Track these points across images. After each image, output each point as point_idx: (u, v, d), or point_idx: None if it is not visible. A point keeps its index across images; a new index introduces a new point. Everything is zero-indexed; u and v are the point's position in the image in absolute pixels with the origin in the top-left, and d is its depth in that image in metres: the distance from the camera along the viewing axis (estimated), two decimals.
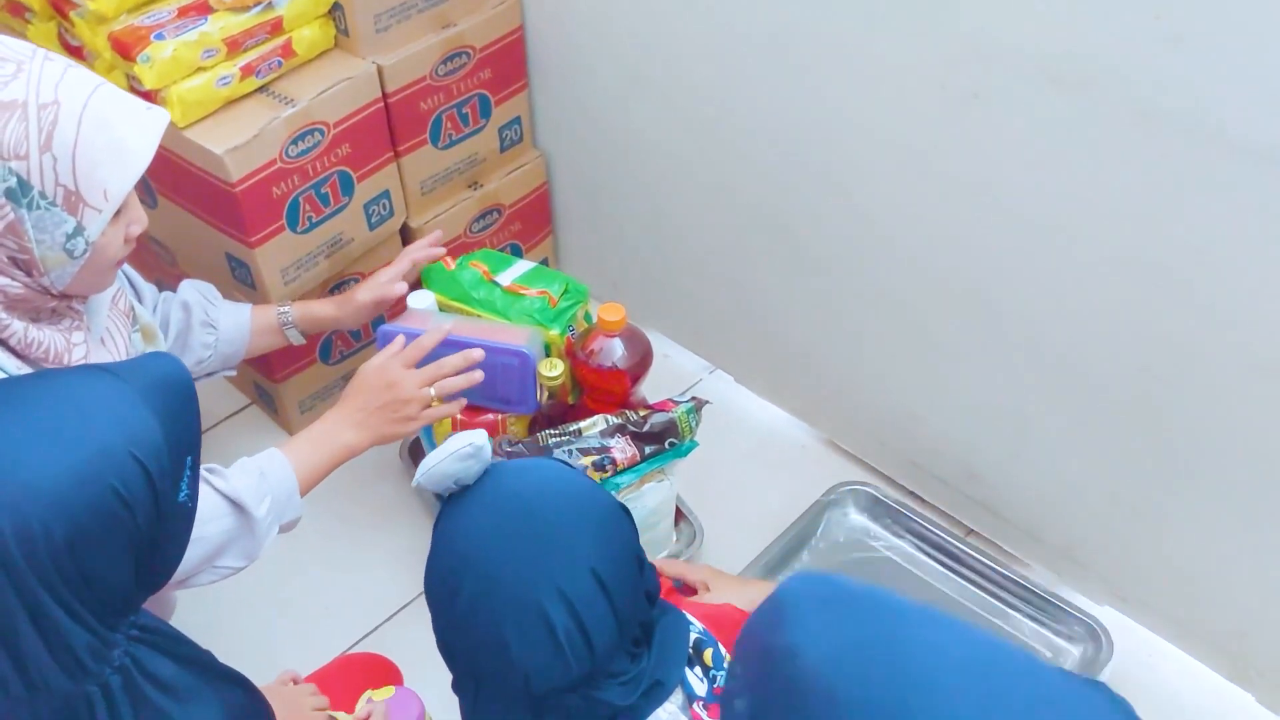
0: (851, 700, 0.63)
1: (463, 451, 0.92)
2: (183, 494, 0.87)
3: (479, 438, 0.93)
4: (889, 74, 1.31)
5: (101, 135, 1.09)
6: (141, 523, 0.80)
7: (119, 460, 0.79)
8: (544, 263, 2.00)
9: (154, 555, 0.84)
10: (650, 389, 1.53)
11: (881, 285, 1.50)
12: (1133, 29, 1.08)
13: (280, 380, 1.73)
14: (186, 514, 0.88)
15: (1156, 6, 1.05)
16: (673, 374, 1.87)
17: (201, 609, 1.56)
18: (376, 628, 1.55)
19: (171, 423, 0.85)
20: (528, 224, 1.92)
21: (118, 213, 1.13)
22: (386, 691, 1.29)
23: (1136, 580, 1.46)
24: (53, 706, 0.79)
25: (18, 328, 1.14)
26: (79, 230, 1.11)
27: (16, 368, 1.15)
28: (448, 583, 0.93)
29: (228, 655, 1.41)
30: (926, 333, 1.48)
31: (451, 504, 0.95)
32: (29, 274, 1.12)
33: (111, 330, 1.35)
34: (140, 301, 1.44)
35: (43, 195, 1.07)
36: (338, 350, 1.79)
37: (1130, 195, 1.18)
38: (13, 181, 1.05)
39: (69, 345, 1.22)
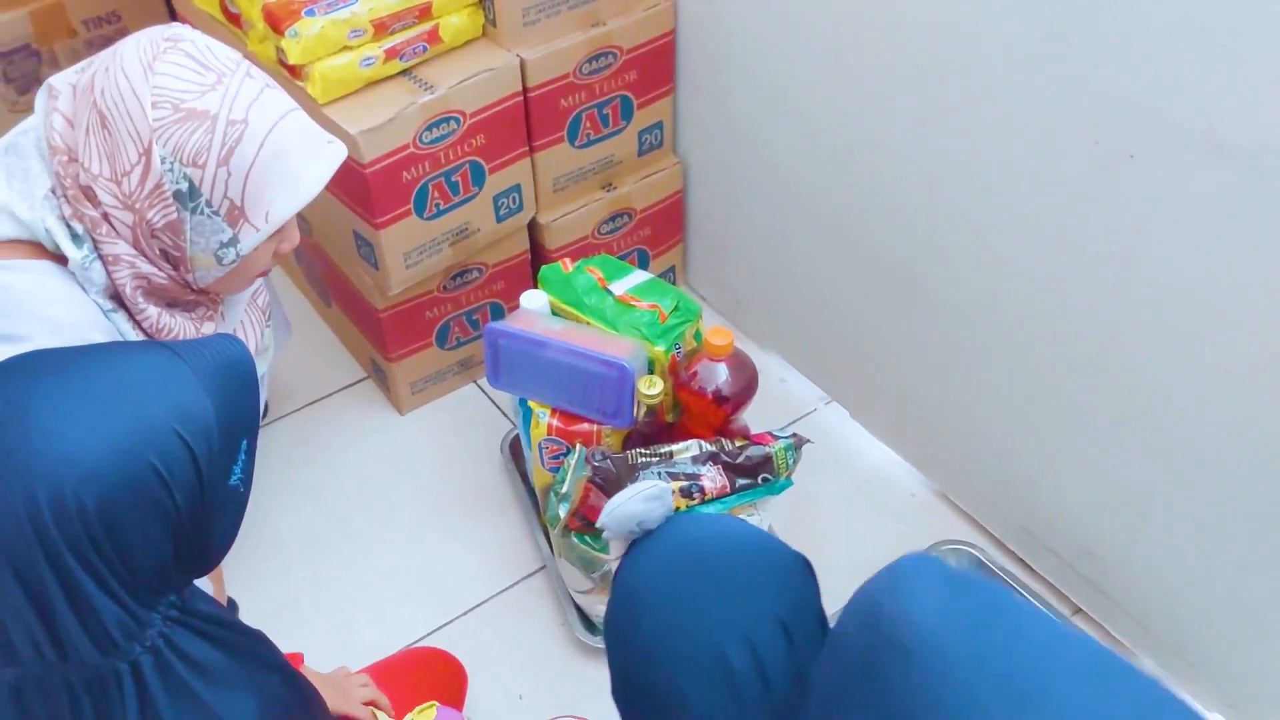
0: (962, 659, 0.62)
1: (649, 493, 0.92)
2: (235, 477, 0.87)
3: (660, 485, 0.94)
4: (1039, 123, 1.23)
5: (279, 162, 1.13)
6: (181, 503, 0.80)
7: (161, 437, 0.79)
8: (670, 271, 1.97)
9: (198, 537, 0.84)
10: (761, 413, 1.48)
11: (1009, 343, 1.41)
12: None
13: (394, 360, 1.75)
14: (238, 498, 0.88)
15: None
16: (787, 400, 1.82)
17: (288, 569, 1.59)
18: (451, 621, 1.55)
19: (228, 404, 0.85)
20: (658, 231, 1.89)
21: (274, 231, 1.17)
22: (429, 712, 1.28)
23: (1252, 692, 1.34)
24: (84, 676, 0.80)
25: (152, 313, 1.19)
26: (233, 241, 1.15)
27: None
28: (626, 625, 0.91)
29: (296, 631, 1.44)
30: (1054, 400, 1.39)
31: (634, 548, 0.94)
32: (175, 268, 1.17)
33: (245, 324, 1.39)
34: None
35: (208, 204, 1.11)
36: (454, 336, 1.80)
37: None
38: (184, 185, 1.10)
39: (198, 334, 1.26)
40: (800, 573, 0.91)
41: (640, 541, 0.94)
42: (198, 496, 0.82)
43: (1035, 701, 0.59)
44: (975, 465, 1.58)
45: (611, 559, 1.42)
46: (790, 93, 1.57)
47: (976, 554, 1.55)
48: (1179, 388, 1.23)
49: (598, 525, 0.97)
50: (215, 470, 0.83)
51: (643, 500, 0.92)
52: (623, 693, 0.93)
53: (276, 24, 1.45)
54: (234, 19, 1.57)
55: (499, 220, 1.68)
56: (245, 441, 0.88)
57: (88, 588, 0.77)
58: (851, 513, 1.66)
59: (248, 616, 1.45)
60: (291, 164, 1.14)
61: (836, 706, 0.70)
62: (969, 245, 1.40)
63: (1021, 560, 1.57)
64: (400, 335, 1.73)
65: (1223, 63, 1.03)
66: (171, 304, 1.24)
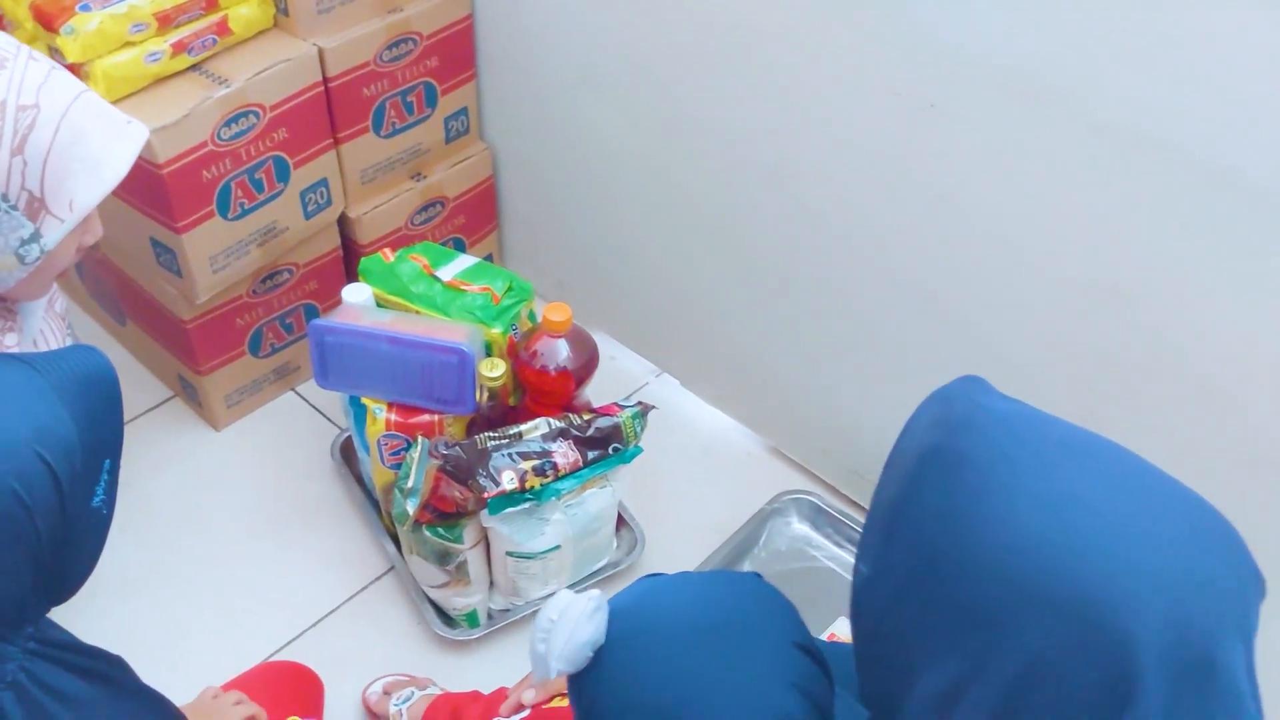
0: (1025, 428, 0.69)
1: (588, 609, 0.79)
2: (97, 498, 0.81)
3: (591, 593, 0.80)
4: (844, 77, 1.28)
5: (78, 146, 1.04)
6: (42, 528, 0.74)
7: (22, 459, 0.73)
8: (488, 259, 1.95)
9: (58, 564, 0.77)
10: (595, 392, 1.49)
11: (828, 292, 1.47)
12: (1090, 42, 1.06)
13: (205, 373, 1.66)
14: (100, 520, 0.82)
15: (1115, 19, 1.03)
16: (618, 377, 1.83)
17: (118, 603, 1.49)
18: (302, 633, 1.48)
19: (90, 422, 0.79)
20: (472, 218, 1.87)
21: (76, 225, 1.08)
22: None
23: None
24: None
25: None
26: (35, 237, 1.06)
27: None
28: None
29: (142, 655, 1.35)
30: (872, 340, 1.45)
31: (602, 676, 0.79)
32: None
33: (45, 333, 1.29)
34: None
35: (4, 198, 1.01)
36: (268, 343, 1.72)
37: (1083, 211, 1.15)
38: None
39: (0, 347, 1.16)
40: (767, 587, 0.86)
41: (606, 666, 0.79)
42: (59, 521, 0.75)
43: (1091, 454, 0.67)
44: (802, 418, 1.63)
45: (467, 547, 1.39)
46: (595, 67, 1.58)
47: (814, 500, 1.60)
48: (990, 317, 1.31)
49: (542, 679, 0.81)
50: (77, 492, 0.77)
51: (587, 620, 0.79)
52: None
53: (49, 21, 1.35)
54: None
55: (308, 217, 1.62)
56: (109, 461, 0.83)
57: None
58: (692, 476, 1.69)
59: None
60: (92, 147, 1.05)
61: (900, 512, 0.72)
62: (782, 202, 1.44)
63: (855, 502, 1.63)
64: (210, 346, 1.64)
65: (1009, 6, 1.10)
66: None
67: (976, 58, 1.15)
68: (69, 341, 1.36)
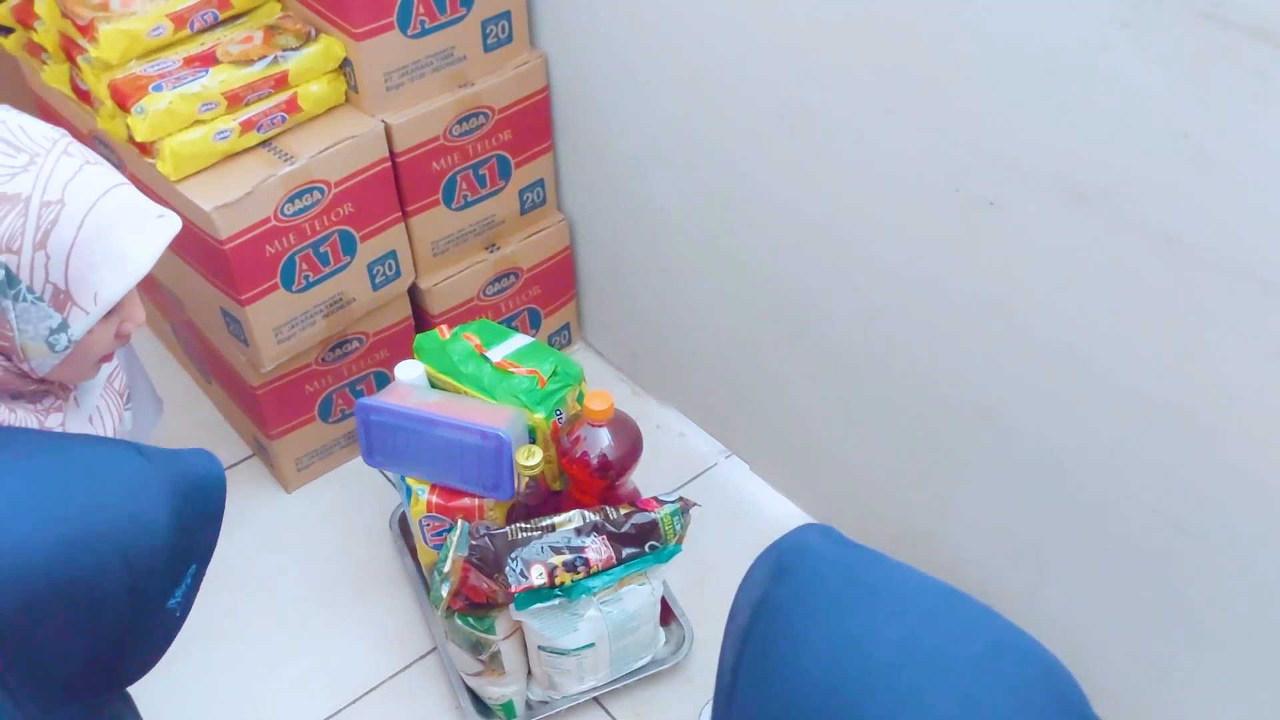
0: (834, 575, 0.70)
1: None
2: (174, 600, 0.81)
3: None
4: (904, 168, 1.21)
5: (101, 241, 1.07)
6: (106, 621, 0.74)
7: (105, 549, 0.73)
8: (565, 329, 1.93)
9: (117, 654, 0.78)
10: (660, 469, 1.45)
11: (893, 392, 1.39)
12: (1162, 150, 0.96)
13: (274, 437, 1.68)
14: (172, 622, 0.83)
15: (1185, 126, 0.93)
16: (686, 455, 1.77)
17: (166, 669, 1.51)
18: (342, 709, 1.48)
19: (186, 528, 0.79)
20: (548, 288, 1.85)
21: (111, 312, 1.11)
22: None
23: None
24: None
25: None
26: (63, 327, 1.09)
27: None
28: None
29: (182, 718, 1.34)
30: (941, 447, 1.36)
31: None
32: (8, 358, 1.10)
33: (101, 409, 1.33)
34: None
35: (30, 290, 1.05)
36: (338, 409, 1.73)
37: (1154, 326, 1.05)
38: (0, 274, 1.03)
39: (41, 427, 1.19)
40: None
41: None
42: (125, 616, 0.76)
43: (892, 594, 0.67)
44: (873, 517, 1.54)
45: (500, 639, 1.36)
46: (664, 145, 1.54)
47: None
48: (1056, 432, 1.21)
49: None
50: (152, 592, 0.77)
51: None
52: None
53: (123, 101, 1.39)
54: (84, 96, 1.51)
55: (375, 288, 1.63)
56: (194, 566, 0.83)
57: None
58: None
59: None
60: (116, 241, 1.07)
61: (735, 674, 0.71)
62: (847, 294, 1.37)
63: None
64: (279, 411, 1.66)
65: (1073, 110, 1.02)
66: (15, 396, 1.17)
67: (1040, 159, 1.07)
68: (127, 415, 1.39)
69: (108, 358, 1.22)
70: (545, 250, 1.81)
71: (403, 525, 1.66)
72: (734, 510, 1.68)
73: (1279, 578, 1.07)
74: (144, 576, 0.76)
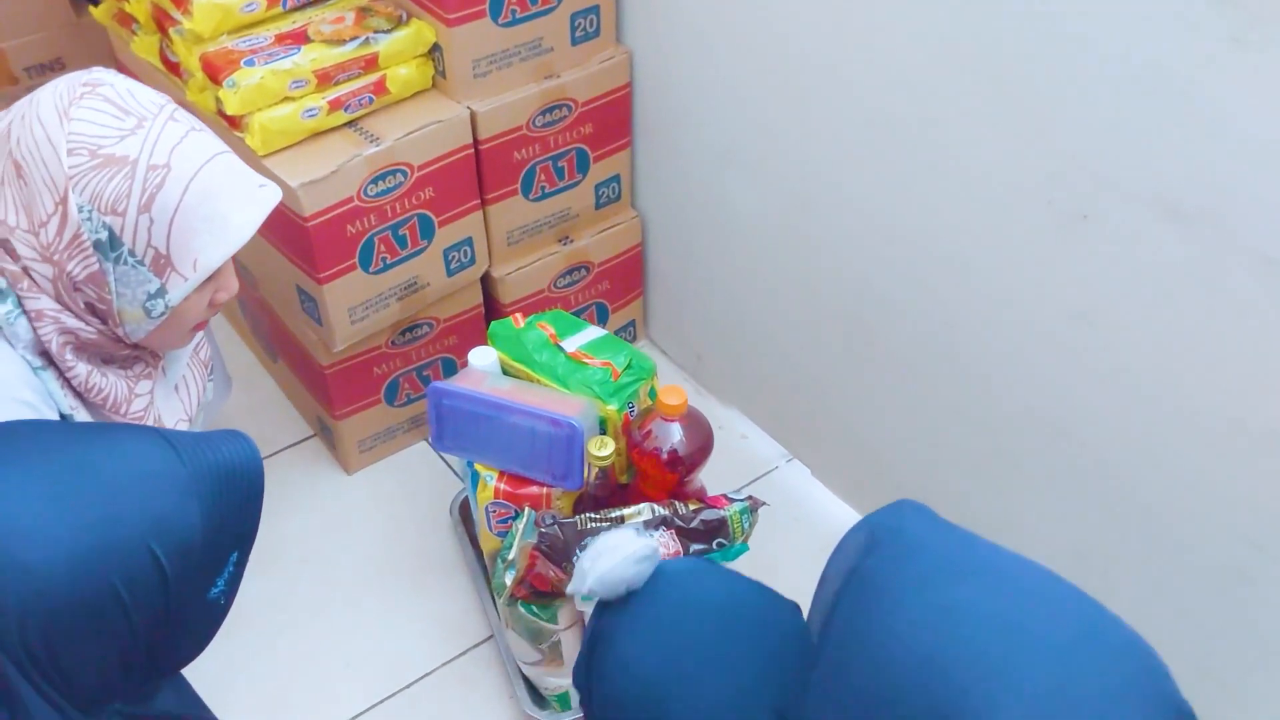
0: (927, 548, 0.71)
1: (639, 554, 0.88)
2: (216, 589, 0.80)
3: (648, 542, 0.89)
4: (995, 178, 1.20)
5: (205, 207, 1.08)
6: (139, 624, 0.73)
7: (131, 554, 0.72)
8: (631, 325, 1.93)
9: (157, 650, 0.77)
10: (722, 471, 1.43)
11: (967, 402, 1.37)
12: (1258, 167, 0.95)
13: (340, 418, 1.69)
14: (216, 611, 0.82)
15: None
16: (748, 457, 1.76)
17: (223, 638, 1.51)
18: (396, 693, 1.48)
19: (222, 515, 0.78)
20: (617, 284, 1.85)
21: (207, 280, 1.12)
22: None
23: None
24: None
25: (81, 370, 1.13)
26: (161, 292, 1.10)
27: (70, 408, 1.13)
28: (645, 708, 0.84)
29: (237, 705, 1.36)
30: (1008, 460, 1.35)
31: (624, 615, 0.88)
32: (104, 322, 1.11)
33: (187, 379, 1.34)
34: None
35: (132, 253, 1.06)
36: (404, 393, 1.74)
37: (1246, 348, 1.03)
38: (104, 235, 1.05)
39: (130, 395, 1.20)
40: (800, 622, 0.90)
41: (632, 607, 0.88)
42: (161, 615, 0.75)
43: (986, 572, 0.68)
44: None
45: (561, 628, 1.36)
46: (745, 147, 1.54)
47: None
48: (1131, 453, 1.19)
49: (574, 592, 0.92)
50: (190, 587, 0.76)
51: (634, 563, 0.88)
52: None
53: (214, 74, 1.40)
54: (173, 68, 1.53)
55: (450, 274, 1.63)
56: (236, 554, 0.82)
57: (24, 693, 0.70)
58: (812, 574, 1.60)
59: None
60: (219, 208, 1.09)
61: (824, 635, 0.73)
62: (925, 302, 1.36)
63: None
64: (346, 392, 1.67)
65: (1173, 126, 1.00)
66: (107, 360, 1.18)
67: (1137, 174, 1.05)
68: (210, 386, 1.40)
69: (200, 326, 1.23)
70: (617, 246, 1.80)
71: (463, 512, 1.66)
72: (794, 514, 1.67)
73: None
74: (179, 574, 0.74)
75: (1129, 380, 1.15)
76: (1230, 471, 1.09)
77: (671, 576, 0.90)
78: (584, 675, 0.91)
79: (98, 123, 1.04)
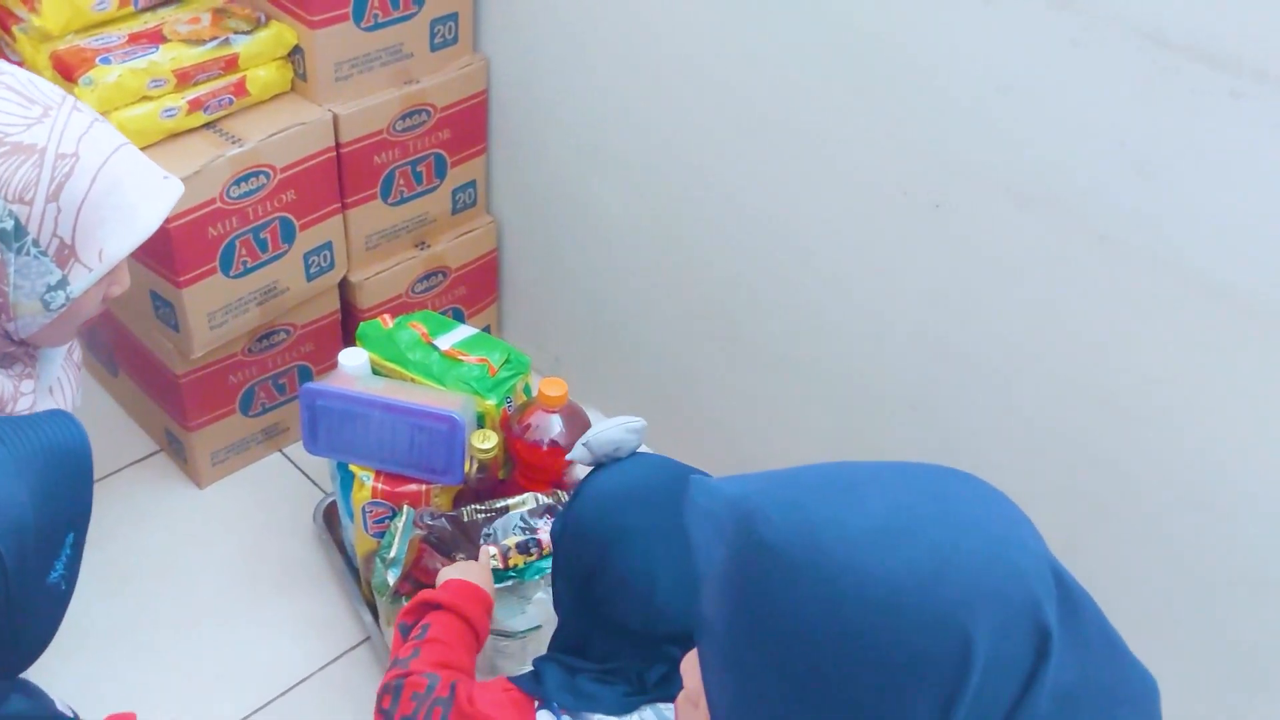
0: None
1: (632, 426, 1.04)
2: (55, 574, 0.79)
3: (642, 421, 1.05)
4: (851, 171, 1.29)
5: (112, 196, 1.05)
6: None
7: None
8: (486, 330, 1.95)
9: (3, 643, 0.75)
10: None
11: (825, 382, 1.46)
12: (1096, 154, 1.07)
13: (193, 429, 1.64)
14: (59, 596, 0.80)
15: (1122, 134, 1.05)
16: None
17: (86, 660, 1.45)
18: (271, 701, 1.45)
19: (52, 497, 0.77)
20: (473, 289, 1.87)
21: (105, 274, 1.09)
22: None
23: None
24: None
25: None
26: (63, 283, 1.06)
27: None
28: (600, 525, 1.01)
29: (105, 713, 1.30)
30: (876, 440, 1.44)
31: (604, 469, 1.05)
32: None
33: (62, 380, 1.29)
34: None
35: (35, 243, 1.02)
36: (259, 402, 1.71)
37: (1083, 320, 1.16)
38: (9, 224, 1.01)
39: (16, 394, 1.15)
40: None
41: (611, 465, 1.05)
42: (4, 598, 0.73)
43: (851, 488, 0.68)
44: None
45: None
46: (606, 149, 1.59)
47: None
48: (993, 422, 1.30)
49: (573, 458, 1.07)
50: (29, 570, 0.75)
51: (625, 431, 1.03)
52: (589, 574, 1.02)
53: (69, 72, 1.36)
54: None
55: (309, 279, 1.62)
56: (72, 535, 0.80)
57: None
58: None
59: None
60: (128, 198, 1.06)
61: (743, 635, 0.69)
62: (790, 292, 1.45)
63: None
64: (201, 402, 1.63)
65: (1018, 120, 1.12)
66: None
67: (984, 162, 1.17)
68: (80, 392, 1.35)
69: (89, 322, 1.19)
70: (473, 251, 1.83)
71: (328, 518, 1.64)
72: None
73: (1182, 549, 1.18)
74: (15, 558, 0.74)
75: (982, 355, 1.26)
76: (1072, 428, 1.22)
77: (651, 456, 1.08)
78: (560, 521, 1.08)
79: (3, 110, 1.00)
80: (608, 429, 1.03)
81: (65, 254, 1.04)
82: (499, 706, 1.01)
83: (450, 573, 1.20)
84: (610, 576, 1.00)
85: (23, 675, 0.91)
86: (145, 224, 1.08)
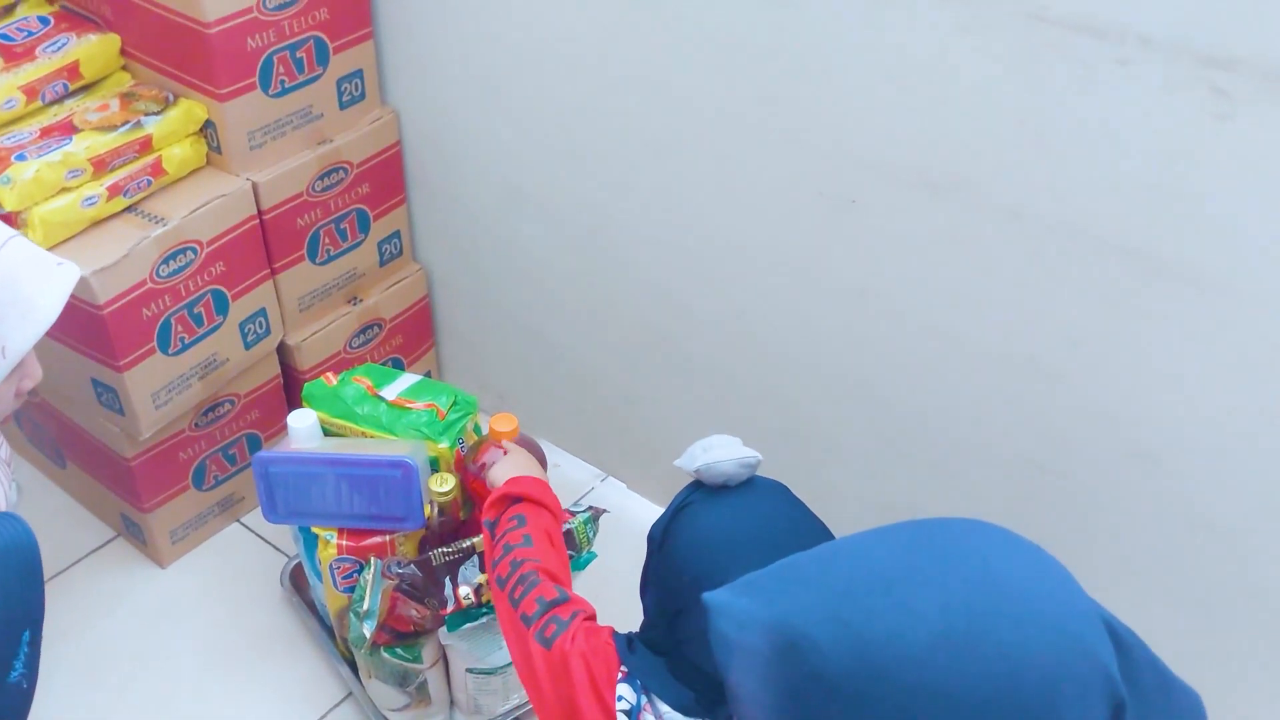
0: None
1: (748, 460, 1.05)
2: (15, 673, 0.80)
3: (757, 456, 1.06)
4: (767, 179, 1.34)
5: (8, 291, 1.06)
6: None
7: None
8: (427, 375, 1.97)
9: None
10: None
11: (767, 387, 1.51)
12: (1000, 134, 1.13)
13: (149, 510, 1.65)
14: (20, 695, 0.81)
15: (1020, 112, 1.10)
16: (564, 483, 1.84)
17: None
18: None
19: (4, 598, 0.78)
20: (409, 337, 1.89)
21: (13, 369, 1.09)
22: None
23: None
24: None
25: None
26: None
27: None
28: (700, 562, 1.02)
29: None
30: (815, 430, 1.49)
31: (714, 499, 1.07)
32: None
33: None
34: None
35: None
36: (212, 475, 1.71)
37: (1002, 292, 1.22)
38: None
39: None
40: None
41: (722, 496, 1.07)
42: None
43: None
44: None
45: (426, 666, 1.39)
46: (523, 186, 1.63)
47: None
48: (925, 399, 1.36)
49: (683, 466, 1.08)
50: None
51: (739, 465, 1.05)
52: (678, 611, 1.04)
53: None
54: None
55: (248, 347, 1.63)
56: (28, 633, 0.81)
57: None
58: None
59: None
60: (23, 291, 1.07)
61: None
62: (719, 301, 1.49)
63: None
64: (154, 482, 1.63)
65: (921, 108, 1.17)
66: None
67: (894, 156, 1.22)
68: (13, 487, 1.35)
69: (6, 419, 1.19)
70: (405, 300, 1.85)
71: (295, 580, 1.65)
72: (619, 528, 1.75)
73: (1126, 497, 1.24)
74: None
75: (916, 339, 1.32)
76: (1005, 400, 1.27)
77: (760, 487, 1.08)
78: (661, 530, 1.11)
79: None
80: (722, 462, 1.04)
81: None
82: (595, 654, 1.01)
83: (505, 471, 1.24)
84: (695, 624, 0.94)
85: None
86: (44, 314, 1.08)
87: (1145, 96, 1.03)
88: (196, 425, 1.65)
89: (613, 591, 1.63)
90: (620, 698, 0.98)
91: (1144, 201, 1.08)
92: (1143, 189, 1.07)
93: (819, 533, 1.08)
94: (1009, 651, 0.57)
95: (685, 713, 0.99)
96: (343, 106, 1.64)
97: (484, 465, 1.40)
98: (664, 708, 0.99)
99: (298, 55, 1.53)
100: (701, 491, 1.08)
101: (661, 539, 1.10)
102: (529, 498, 1.18)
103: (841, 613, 0.59)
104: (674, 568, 1.06)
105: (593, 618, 1.09)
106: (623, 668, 1.01)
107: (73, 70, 1.49)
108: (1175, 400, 1.15)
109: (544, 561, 1.12)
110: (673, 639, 1.05)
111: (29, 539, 0.83)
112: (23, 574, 0.81)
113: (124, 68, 1.57)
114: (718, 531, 1.04)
